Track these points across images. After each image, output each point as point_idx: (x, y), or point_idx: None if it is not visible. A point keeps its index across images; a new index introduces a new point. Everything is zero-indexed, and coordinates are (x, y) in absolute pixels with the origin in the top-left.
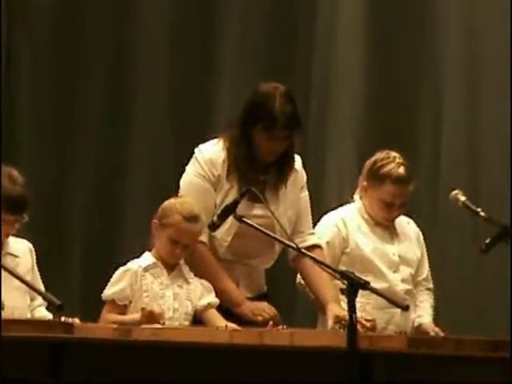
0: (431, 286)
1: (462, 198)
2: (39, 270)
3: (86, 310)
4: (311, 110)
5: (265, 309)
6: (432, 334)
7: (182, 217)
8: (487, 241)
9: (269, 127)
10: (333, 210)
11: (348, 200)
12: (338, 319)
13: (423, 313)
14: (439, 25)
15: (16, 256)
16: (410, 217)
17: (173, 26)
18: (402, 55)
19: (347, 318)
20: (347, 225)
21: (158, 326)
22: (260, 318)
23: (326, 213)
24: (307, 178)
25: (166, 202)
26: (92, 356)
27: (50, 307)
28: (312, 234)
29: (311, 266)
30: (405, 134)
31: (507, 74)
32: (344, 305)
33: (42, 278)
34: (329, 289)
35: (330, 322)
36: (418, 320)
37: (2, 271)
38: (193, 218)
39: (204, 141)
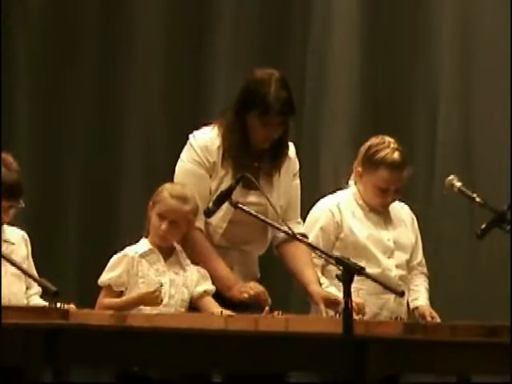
0: (425, 270)
1: (458, 184)
2: (35, 257)
3: (83, 296)
4: (306, 98)
5: (251, 286)
6: (428, 317)
7: (169, 193)
8: (483, 226)
9: (263, 113)
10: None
11: (343, 186)
12: (327, 301)
13: (419, 295)
14: (434, 11)
15: (12, 243)
16: (405, 202)
17: (168, 12)
18: (396, 43)
19: (332, 296)
20: (341, 210)
21: (154, 311)
22: (245, 295)
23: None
24: (302, 166)
25: (162, 185)
26: (87, 342)
27: (45, 294)
28: (298, 222)
29: (294, 252)
30: (399, 120)
31: (502, 61)
32: (335, 289)
33: (38, 264)
34: (309, 271)
35: (322, 307)
36: (414, 303)
37: None
38: (180, 197)
39: (198, 127)
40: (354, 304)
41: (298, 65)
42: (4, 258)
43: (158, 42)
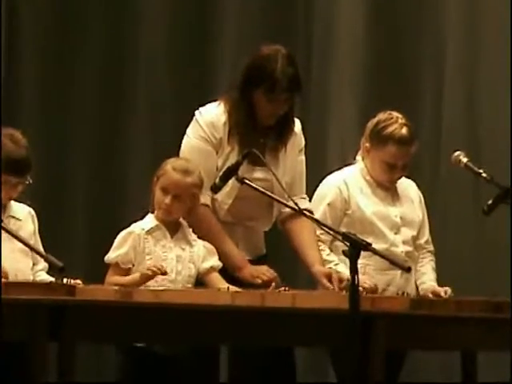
0: (432, 248)
1: (464, 160)
2: (42, 234)
3: (90, 272)
4: (312, 73)
5: (264, 271)
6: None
7: (172, 167)
8: (489, 202)
9: (270, 90)
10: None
11: (350, 162)
12: (329, 276)
13: (426, 278)
14: None
15: (19, 219)
16: (412, 179)
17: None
18: (403, 16)
19: (335, 273)
20: (349, 186)
21: (160, 287)
22: (259, 280)
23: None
24: (309, 143)
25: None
26: (93, 318)
27: (51, 270)
28: (303, 198)
29: (299, 230)
30: (406, 94)
31: (507, 32)
32: (346, 266)
33: (45, 241)
34: (313, 252)
35: (326, 283)
36: (421, 286)
37: (5, 233)
38: (182, 171)
39: (204, 103)
40: (366, 285)
41: (305, 36)
42: (10, 233)
43: (162, 17)
